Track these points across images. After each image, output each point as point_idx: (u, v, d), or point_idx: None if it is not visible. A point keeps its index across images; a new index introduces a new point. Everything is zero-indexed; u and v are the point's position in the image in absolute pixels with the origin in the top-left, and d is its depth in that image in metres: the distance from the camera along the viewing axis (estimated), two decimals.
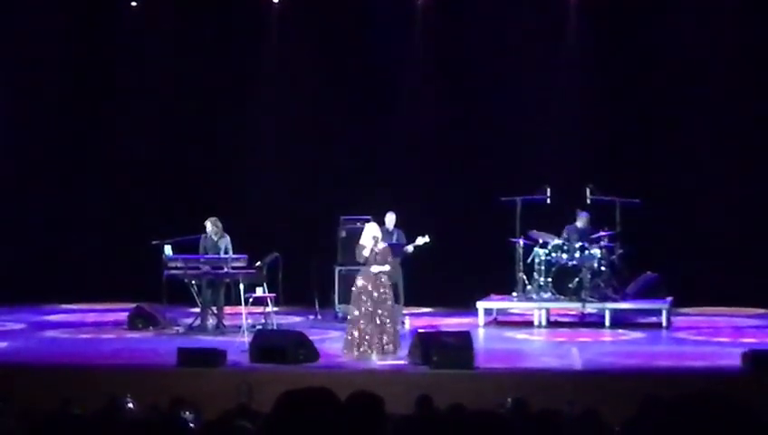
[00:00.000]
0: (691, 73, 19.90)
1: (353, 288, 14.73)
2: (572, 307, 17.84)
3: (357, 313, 14.44)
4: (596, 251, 17.64)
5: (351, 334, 14.40)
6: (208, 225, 16.86)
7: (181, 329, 16.89)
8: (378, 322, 14.34)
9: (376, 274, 14.48)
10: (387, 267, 14.64)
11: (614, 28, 19.93)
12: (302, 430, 4.47)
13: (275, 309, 16.83)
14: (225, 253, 16.72)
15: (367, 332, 14.31)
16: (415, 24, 20.89)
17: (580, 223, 18.07)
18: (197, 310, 17.03)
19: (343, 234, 18.24)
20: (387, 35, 20.44)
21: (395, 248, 16.49)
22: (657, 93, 19.97)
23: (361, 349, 14.27)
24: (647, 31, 19.90)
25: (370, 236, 14.62)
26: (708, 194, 19.84)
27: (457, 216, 19.76)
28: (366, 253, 14.52)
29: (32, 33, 20.69)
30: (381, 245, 14.71)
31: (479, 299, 17.75)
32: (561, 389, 11.96)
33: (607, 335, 16.73)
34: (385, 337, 14.33)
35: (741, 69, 19.77)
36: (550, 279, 17.60)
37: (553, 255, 17.71)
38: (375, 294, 14.41)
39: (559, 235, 17.97)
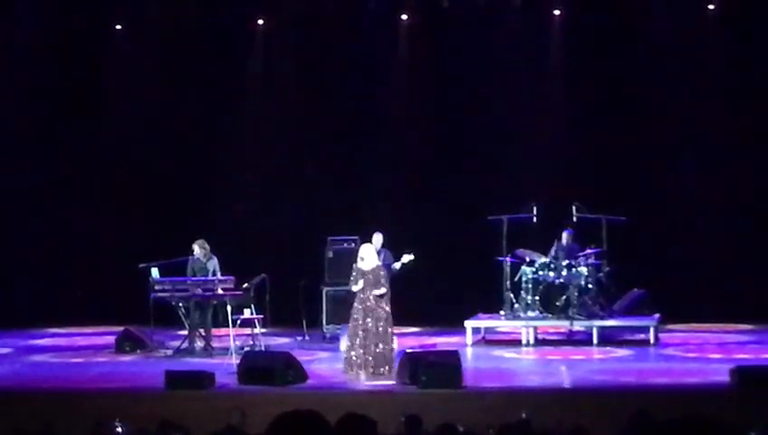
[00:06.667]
0: (677, 92, 19.98)
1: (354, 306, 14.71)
2: (560, 325, 17.84)
3: (352, 333, 14.47)
4: (583, 269, 17.65)
5: (349, 354, 14.46)
6: (196, 247, 16.86)
7: (169, 352, 16.84)
8: (368, 342, 14.33)
9: (371, 295, 14.48)
10: (383, 290, 14.63)
11: (599, 47, 20.00)
12: None
13: (263, 330, 16.82)
14: (213, 274, 16.71)
15: (358, 352, 14.32)
16: (400, 44, 20.95)
17: (564, 241, 18.12)
18: (185, 332, 17.00)
19: (330, 254, 18.23)
20: (372, 56, 20.49)
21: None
22: (643, 112, 20.04)
23: (353, 369, 14.30)
24: (632, 49, 19.97)
25: (370, 255, 14.64)
26: (694, 210, 19.91)
27: (444, 235, 19.76)
28: (356, 287, 14.48)
29: (15, 54, 20.68)
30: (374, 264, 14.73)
31: (467, 318, 17.74)
32: (550, 407, 11.94)
33: (595, 353, 16.74)
34: (371, 358, 14.33)
35: (726, 86, 19.86)
36: (537, 297, 17.61)
37: (540, 273, 17.72)
38: (368, 315, 14.41)
39: (546, 253, 18.00)
